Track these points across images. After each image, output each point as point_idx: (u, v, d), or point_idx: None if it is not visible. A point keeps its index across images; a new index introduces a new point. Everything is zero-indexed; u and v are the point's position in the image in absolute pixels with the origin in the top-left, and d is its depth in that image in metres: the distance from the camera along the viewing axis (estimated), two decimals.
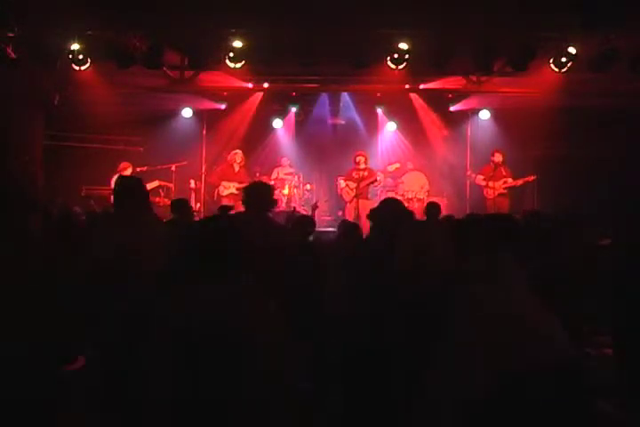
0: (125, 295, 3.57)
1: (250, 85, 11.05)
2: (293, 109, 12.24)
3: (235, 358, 2.30)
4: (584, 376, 2.49)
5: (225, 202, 10.63)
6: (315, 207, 8.46)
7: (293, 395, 2.44)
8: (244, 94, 11.52)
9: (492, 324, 2.40)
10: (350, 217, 10.04)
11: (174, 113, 11.75)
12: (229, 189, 10.65)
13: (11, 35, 8.73)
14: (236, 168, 10.77)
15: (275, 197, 4.85)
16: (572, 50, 8.90)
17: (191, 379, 2.31)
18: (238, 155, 10.80)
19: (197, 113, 11.90)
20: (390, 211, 3.93)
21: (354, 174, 10.63)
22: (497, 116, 11.60)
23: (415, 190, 10.98)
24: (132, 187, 3.97)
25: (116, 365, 3.78)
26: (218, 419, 2.31)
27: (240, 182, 10.57)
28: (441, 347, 2.52)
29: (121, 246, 3.61)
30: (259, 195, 4.69)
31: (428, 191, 11.13)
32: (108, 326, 3.53)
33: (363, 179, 10.53)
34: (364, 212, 9.73)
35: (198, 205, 11.11)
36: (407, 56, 8.99)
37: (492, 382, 2.30)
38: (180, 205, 6.73)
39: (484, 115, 11.64)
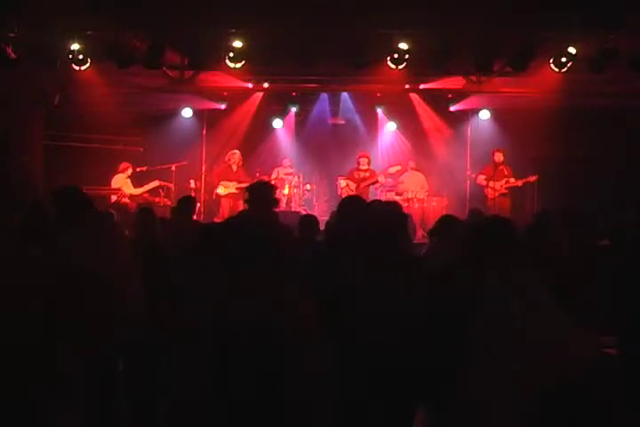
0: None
1: (250, 85, 11.05)
2: (293, 109, 12.24)
3: (271, 355, 2.27)
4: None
5: (224, 202, 10.64)
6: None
7: (331, 394, 2.40)
8: (244, 94, 11.52)
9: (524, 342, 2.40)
10: None
11: (174, 113, 11.74)
12: (229, 188, 10.67)
13: (11, 35, 8.73)
14: (234, 168, 10.79)
15: (276, 196, 4.85)
16: (571, 50, 8.90)
17: (224, 375, 2.28)
18: (236, 155, 10.82)
19: (197, 113, 11.89)
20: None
21: (355, 175, 10.63)
22: (497, 116, 11.59)
23: (415, 190, 10.97)
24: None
25: (114, 365, 3.78)
26: (255, 419, 2.28)
27: (239, 182, 10.58)
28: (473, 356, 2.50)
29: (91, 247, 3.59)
30: (261, 194, 4.68)
31: (427, 191, 11.11)
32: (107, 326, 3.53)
33: (364, 179, 10.54)
34: None
35: (198, 205, 11.10)
36: (407, 56, 8.98)
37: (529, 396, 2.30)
38: (185, 205, 6.51)
39: (484, 115, 11.63)
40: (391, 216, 3.65)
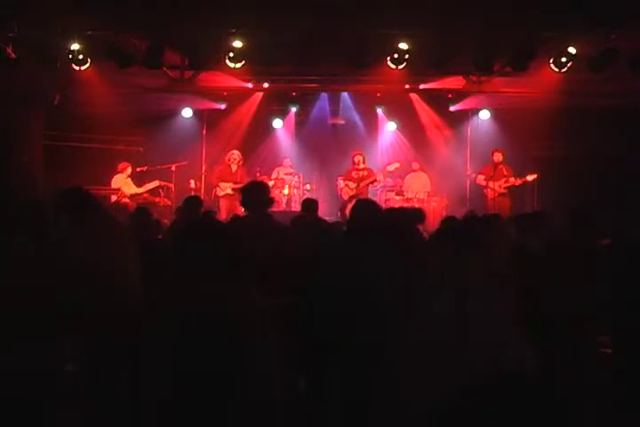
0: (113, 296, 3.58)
1: (250, 85, 11.05)
2: (293, 109, 12.24)
3: (226, 352, 2.32)
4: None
5: (222, 202, 10.62)
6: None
7: (280, 394, 2.46)
8: (244, 94, 11.52)
9: (439, 333, 2.39)
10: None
11: (174, 113, 11.75)
12: (225, 189, 10.62)
13: (11, 35, 8.73)
14: (234, 168, 10.75)
15: (272, 195, 4.86)
16: (571, 50, 8.90)
17: (180, 371, 2.34)
18: (235, 155, 10.78)
19: (197, 113, 11.90)
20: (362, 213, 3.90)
21: (353, 174, 10.63)
22: (497, 116, 11.59)
23: (415, 190, 10.98)
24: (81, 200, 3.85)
25: (109, 364, 3.78)
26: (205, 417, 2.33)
27: (236, 183, 10.55)
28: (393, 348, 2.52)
29: (99, 245, 3.60)
30: (254, 194, 4.71)
31: (428, 192, 11.12)
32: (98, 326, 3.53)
33: (362, 179, 10.53)
34: None
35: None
36: (407, 56, 8.98)
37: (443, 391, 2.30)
38: (191, 205, 6.51)
39: (484, 115, 11.63)
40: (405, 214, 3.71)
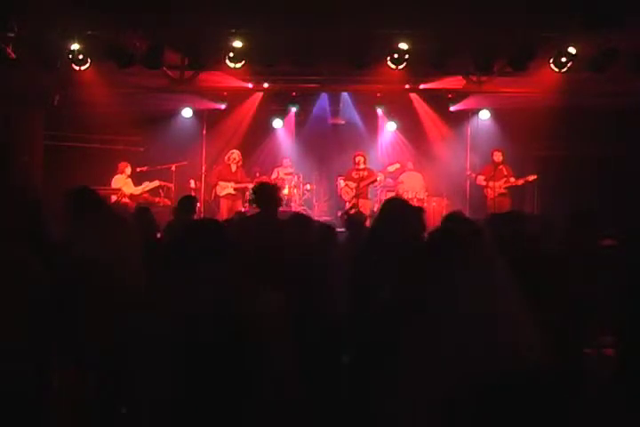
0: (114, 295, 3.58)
1: (250, 85, 11.06)
2: (293, 109, 12.23)
3: (230, 352, 2.31)
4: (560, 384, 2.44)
5: (222, 202, 10.64)
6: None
7: (294, 394, 2.45)
8: (244, 94, 11.52)
9: (462, 323, 2.36)
10: None
11: (174, 113, 11.75)
12: (227, 189, 10.63)
13: (11, 35, 8.72)
14: (234, 168, 10.76)
15: (280, 196, 5.06)
16: (571, 50, 8.90)
17: (183, 374, 2.33)
18: (235, 154, 10.80)
19: (197, 113, 11.90)
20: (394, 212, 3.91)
21: (354, 174, 10.63)
22: (497, 116, 11.60)
23: (415, 190, 10.98)
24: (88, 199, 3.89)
25: (110, 365, 3.78)
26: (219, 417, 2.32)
27: (237, 182, 10.57)
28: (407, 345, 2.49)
29: (106, 245, 3.61)
30: (265, 194, 4.86)
31: (427, 191, 11.12)
32: (98, 326, 3.53)
33: (363, 179, 10.53)
34: (364, 212, 9.76)
35: (198, 204, 11.09)
36: (407, 56, 8.98)
37: (458, 383, 2.27)
38: (187, 204, 6.52)
39: (484, 115, 11.64)
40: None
